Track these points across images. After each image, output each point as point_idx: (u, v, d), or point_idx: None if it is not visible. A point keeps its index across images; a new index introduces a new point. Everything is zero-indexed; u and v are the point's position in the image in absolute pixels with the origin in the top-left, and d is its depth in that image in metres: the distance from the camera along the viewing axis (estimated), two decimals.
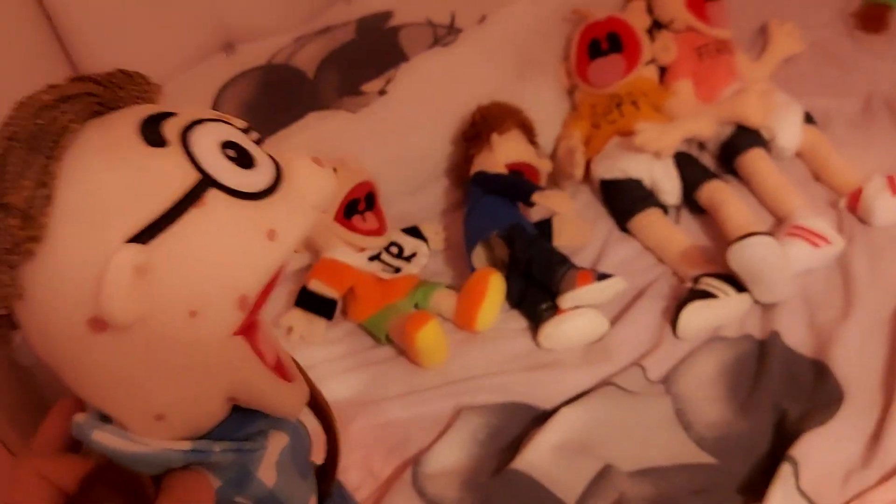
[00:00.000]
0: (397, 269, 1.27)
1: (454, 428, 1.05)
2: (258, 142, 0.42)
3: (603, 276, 1.16)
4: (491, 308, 1.19)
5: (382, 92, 1.45)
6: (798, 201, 1.28)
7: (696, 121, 1.36)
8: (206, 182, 0.37)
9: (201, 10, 1.46)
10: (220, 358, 0.38)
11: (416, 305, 1.24)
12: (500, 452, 1.03)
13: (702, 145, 1.47)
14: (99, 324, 0.35)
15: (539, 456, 0.98)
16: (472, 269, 1.24)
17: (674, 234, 1.29)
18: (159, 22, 1.38)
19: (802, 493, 0.93)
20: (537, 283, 1.21)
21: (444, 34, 1.61)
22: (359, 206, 1.26)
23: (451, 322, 1.23)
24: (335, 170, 1.25)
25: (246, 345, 0.39)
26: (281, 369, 0.44)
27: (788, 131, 1.40)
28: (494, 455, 1.03)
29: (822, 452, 0.95)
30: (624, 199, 1.36)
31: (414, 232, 1.37)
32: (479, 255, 1.28)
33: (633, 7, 1.56)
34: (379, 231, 1.28)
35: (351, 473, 1.04)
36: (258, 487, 0.42)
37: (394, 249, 1.31)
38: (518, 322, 1.24)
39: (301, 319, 1.22)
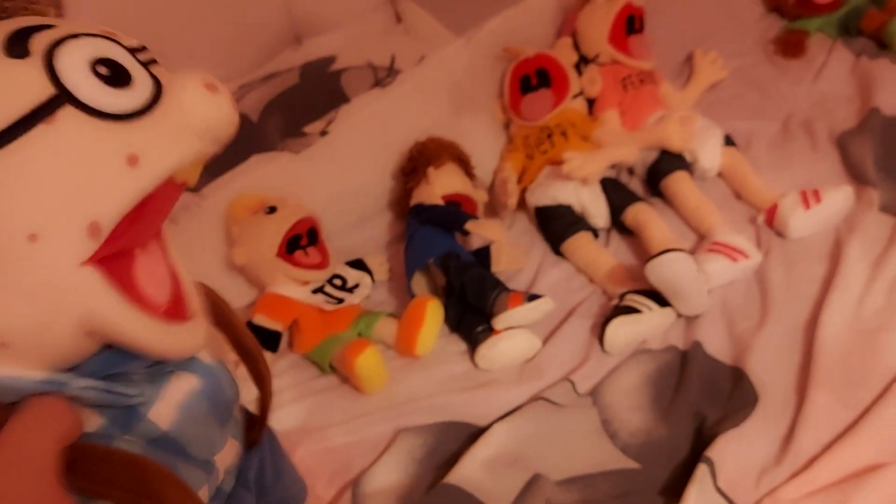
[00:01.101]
0: (340, 301, 1.32)
1: (392, 448, 1.10)
2: (151, 62, 0.40)
3: (533, 297, 1.22)
4: (429, 333, 1.24)
5: (324, 132, 1.51)
6: (718, 219, 1.36)
7: (620, 148, 1.43)
8: (62, 98, 0.34)
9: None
10: (65, 287, 0.35)
11: (359, 334, 1.29)
12: (437, 469, 1.07)
13: (631, 171, 1.55)
14: None
15: (471, 470, 1.03)
16: (413, 297, 1.30)
17: (601, 255, 1.36)
18: None
19: (720, 492, 0.97)
20: (473, 307, 1.26)
21: (384, 76, 1.69)
22: (301, 241, 1.31)
23: (393, 349, 1.29)
24: (276, 210, 1.31)
25: (99, 276, 0.36)
26: (173, 308, 0.41)
27: (709, 153, 1.47)
28: (431, 472, 1.07)
29: (737, 452, 1.00)
30: (556, 225, 1.42)
31: (358, 264, 1.43)
32: (419, 283, 1.34)
33: (560, 44, 1.64)
34: (321, 265, 1.33)
35: None
36: (148, 428, 0.40)
37: (337, 282, 1.36)
38: (457, 345, 1.29)
39: None
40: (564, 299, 1.32)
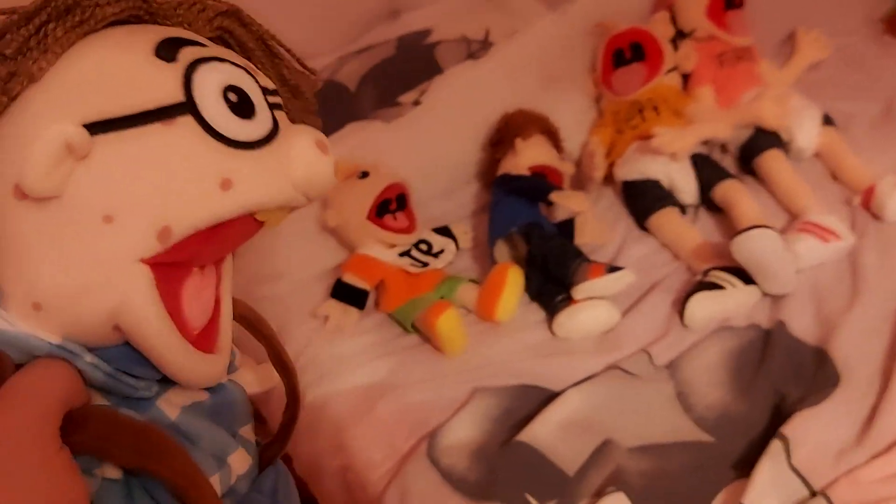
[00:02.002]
0: (425, 264, 1.36)
1: (468, 406, 1.13)
2: (277, 106, 0.42)
3: (614, 269, 1.23)
4: (510, 299, 1.27)
5: (417, 103, 1.55)
6: (811, 199, 1.33)
7: (712, 124, 1.42)
8: (186, 107, 0.37)
9: None
10: (115, 274, 0.37)
11: (441, 297, 1.33)
12: (511, 429, 1.10)
13: (724, 148, 1.53)
14: (21, 191, 0.35)
15: (544, 431, 1.05)
16: (494, 264, 1.33)
17: (688, 231, 1.35)
18: None
19: (794, 470, 0.97)
20: (554, 277, 1.28)
21: (477, 49, 1.71)
22: (390, 206, 1.36)
23: (474, 314, 1.32)
24: (368, 175, 1.36)
25: (149, 278, 0.37)
26: (202, 336, 0.42)
27: (806, 133, 1.44)
28: (505, 431, 1.10)
29: (814, 431, 0.99)
30: (643, 199, 1.42)
31: (444, 231, 1.46)
32: (501, 251, 1.37)
33: (657, 18, 1.62)
34: (409, 229, 1.38)
35: (375, 450, 1.12)
36: (158, 415, 0.41)
37: (423, 246, 1.40)
38: (536, 314, 1.31)
39: (336, 309, 1.32)
40: (647, 274, 1.32)
